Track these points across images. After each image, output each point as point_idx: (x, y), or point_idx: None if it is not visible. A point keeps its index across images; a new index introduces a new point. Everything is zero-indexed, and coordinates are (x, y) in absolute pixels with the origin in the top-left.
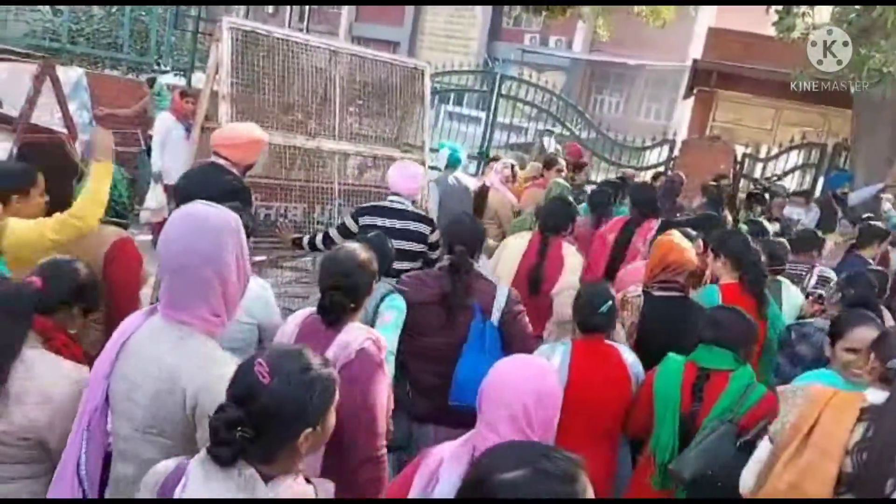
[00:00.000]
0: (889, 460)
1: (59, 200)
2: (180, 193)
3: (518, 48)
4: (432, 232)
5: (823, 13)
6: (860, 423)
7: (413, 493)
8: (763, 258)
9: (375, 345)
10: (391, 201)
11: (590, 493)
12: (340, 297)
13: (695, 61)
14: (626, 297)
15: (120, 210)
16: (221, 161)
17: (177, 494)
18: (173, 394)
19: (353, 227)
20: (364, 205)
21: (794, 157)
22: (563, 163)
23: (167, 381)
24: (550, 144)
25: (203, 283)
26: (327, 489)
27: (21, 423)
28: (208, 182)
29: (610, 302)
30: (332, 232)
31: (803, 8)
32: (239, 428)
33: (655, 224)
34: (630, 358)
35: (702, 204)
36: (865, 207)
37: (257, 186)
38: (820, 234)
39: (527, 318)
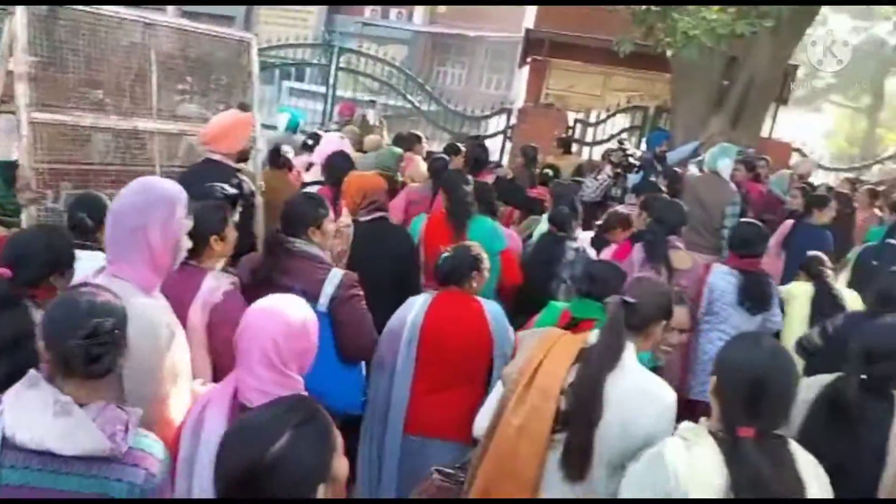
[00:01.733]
0: (591, 397)
1: None
2: None
3: (358, 21)
4: None
5: None
6: (577, 363)
7: (183, 435)
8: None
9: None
10: None
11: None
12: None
13: (527, 31)
14: (339, 228)
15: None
16: (217, 157)
17: None
18: None
19: None
20: None
21: (622, 121)
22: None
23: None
24: (373, 117)
25: (130, 232)
26: (138, 413)
27: None
28: (205, 182)
29: (445, 255)
30: None
31: None
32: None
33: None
34: (492, 310)
35: (519, 164)
36: (682, 164)
37: (65, 173)
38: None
39: (363, 304)
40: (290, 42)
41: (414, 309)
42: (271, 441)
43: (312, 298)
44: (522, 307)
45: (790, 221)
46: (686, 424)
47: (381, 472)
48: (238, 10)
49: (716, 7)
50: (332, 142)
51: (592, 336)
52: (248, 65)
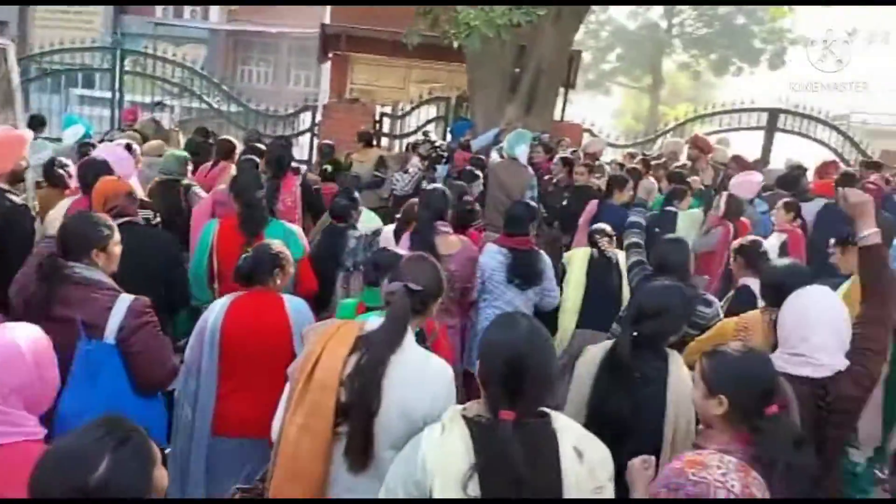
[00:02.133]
0: (370, 386)
1: None
2: None
3: (149, 21)
4: None
5: None
6: (355, 353)
7: None
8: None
9: None
10: None
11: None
12: None
13: (323, 26)
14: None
15: None
16: None
17: None
18: None
19: None
20: None
21: (427, 112)
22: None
23: None
24: (168, 121)
25: None
26: None
27: None
28: None
29: (244, 256)
30: None
31: None
32: None
33: (297, 180)
34: (293, 305)
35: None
36: (485, 151)
37: None
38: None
39: (157, 331)
40: (67, 46)
41: (214, 311)
42: (93, 467)
43: (98, 330)
44: (320, 301)
45: (595, 202)
46: (450, 408)
47: (188, 475)
48: (10, 13)
49: None
50: (108, 151)
51: (368, 324)
52: (8, 73)
